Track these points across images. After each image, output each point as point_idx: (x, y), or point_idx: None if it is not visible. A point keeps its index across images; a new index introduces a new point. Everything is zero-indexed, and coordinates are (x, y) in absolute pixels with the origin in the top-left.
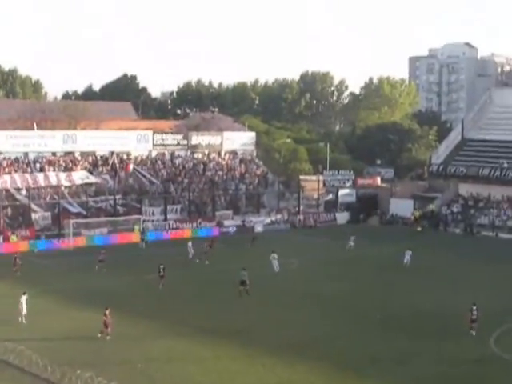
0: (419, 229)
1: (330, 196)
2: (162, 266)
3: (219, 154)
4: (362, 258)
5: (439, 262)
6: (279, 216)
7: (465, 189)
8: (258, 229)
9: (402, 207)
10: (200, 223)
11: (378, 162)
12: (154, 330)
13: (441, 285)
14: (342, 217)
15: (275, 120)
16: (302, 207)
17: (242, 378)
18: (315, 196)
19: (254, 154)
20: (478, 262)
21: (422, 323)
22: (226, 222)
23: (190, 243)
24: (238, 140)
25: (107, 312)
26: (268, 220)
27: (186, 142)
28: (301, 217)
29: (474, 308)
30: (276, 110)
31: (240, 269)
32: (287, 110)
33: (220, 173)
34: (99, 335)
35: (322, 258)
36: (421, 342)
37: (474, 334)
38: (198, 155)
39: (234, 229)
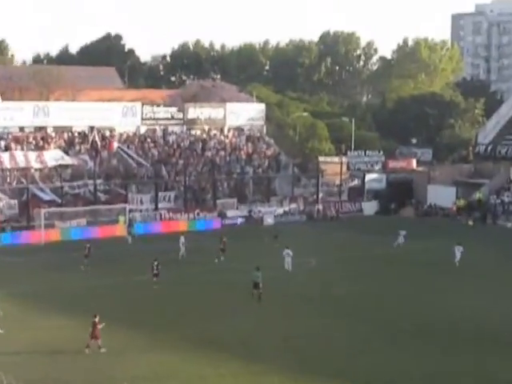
0: (471, 223)
1: (355, 182)
2: (156, 263)
3: (221, 130)
4: (393, 256)
5: (486, 263)
6: (293, 205)
7: None
8: (268, 221)
9: (442, 195)
10: (198, 214)
11: (414, 140)
12: (144, 341)
13: (487, 289)
14: (370, 207)
15: (289, 89)
16: (321, 195)
17: None
18: (337, 182)
19: (264, 131)
20: None
21: (462, 333)
22: (230, 213)
23: (182, 238)
24: (245, 113)
25: (96, 320)
26: (280, 210)
27: (181, 115)
28: (320, 206)
29: None
30: (290, 77)
31: (253, 269)
32: (304, 78)
33: (222, 153)
34: (87, 351)
35: (345, 255)
36: (458, 357)
37: None
38: (196, 132)
39: (240, 221)
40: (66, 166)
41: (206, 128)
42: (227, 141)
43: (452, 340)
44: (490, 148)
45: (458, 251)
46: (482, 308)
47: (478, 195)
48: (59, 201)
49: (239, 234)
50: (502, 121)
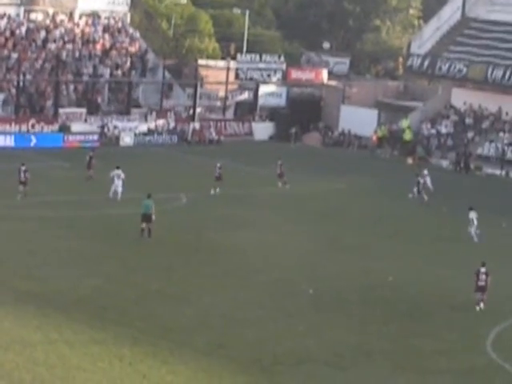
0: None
1: (245, 95)
2: (23, 168)
3: (71, 15)
4: (291, 197)
5: (407, 214)
6: (161, 122)
7: (461, 98)
8: (127, 140)
9: (358, 120)
10: (33, 126)
11: (326, 45)
12: None
13: (415, 250)
14: (263, 129)
15: None
16: (198, 110)
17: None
18: (221, 94)
19: (128, 20)
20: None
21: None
22: (75, 127)
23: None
24: None
25: None
26: (143, 127)
27: None
28: (196, 125)
29: (483, 271)
30: None
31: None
32: None
33: (70, 46)
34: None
35: (226, 191)
36: (376, 331)
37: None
38: (37, 16)
39: (90, 138)
40: None
41: (51, 12)
42: (77, 30)
43: (367, 308)
44: (426, 61)
45: (475, 219)
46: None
47: (404, 123)
48: None
49: (84, 155)
50: (445, 26)
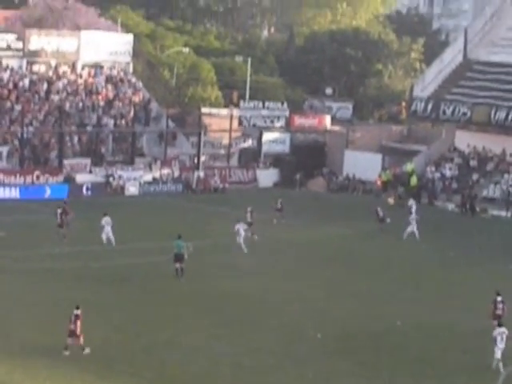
0: (391, 200)
1: (249, 143)
2: (59, 211)
3: (73, 66)
4: (296, 243)
5: (414, 258)
6: (166, 171)
7: (465, 140)
8: (132, 190)
9: (363, 165)
10: (38, 177)
11: (329, 91)
12: None
13: (423, 294)
14: (268, 176)
15: (166, 16)
16: (203, 158)
17: None
18: (225, 141)
19: (130, 70)
20: (481, 259)
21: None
22: (80, 177)
23: None
24: (106, 45)
25: (79, 313)
26: (148, 177)
27: (20, 45)
28: (201, 173)
29: (499, 299)
30: None
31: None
32: (186, 2)
33: (74, 98)
34: (66, 353)
35: (229, 241)
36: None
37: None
38: (40, 68)
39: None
40: None
41: (53, 63)
42: (80, 81)
43: (374, 355)
44: (429, 105)
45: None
46: (422, 314)
47: (409, 166)
48: None
49: (90, 206)
50: (447, 69)
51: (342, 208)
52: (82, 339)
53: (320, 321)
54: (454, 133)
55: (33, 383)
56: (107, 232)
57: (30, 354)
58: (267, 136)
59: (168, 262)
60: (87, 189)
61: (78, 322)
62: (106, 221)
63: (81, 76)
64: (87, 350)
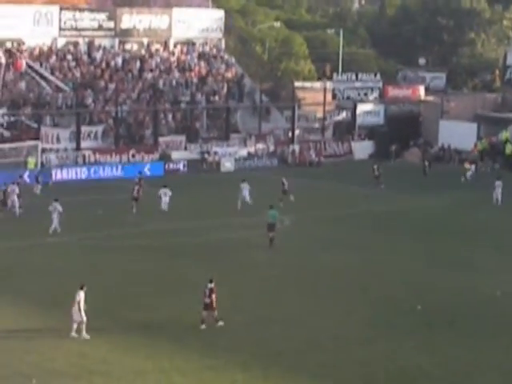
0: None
1: (344, 115)
2: (136, 187)
3: (165, 44)
4: (389, 215)
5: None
6: (261, 146)
7: None
8: (227, 165)
9: (458, 134)
10: (133, 155)
11: (422, 61)
12: (63, 323)
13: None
14: (363, 148)
15: None
16: (297, 132)
17: None
18: (319, 115)
19: (222, 46)
20: None
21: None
22: (176, 154)
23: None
24: (197, 22)
25: (212, 286)
26: (243, 152)
27: (112, 24)
28: (296, 148)
29: None
30: None
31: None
32: None
33: (166, 76)
34: (203, 327)
35: (328, 214)
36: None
37: None
38: (133, 46)
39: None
40: None
41: (146, 42)
42: (173, 59)
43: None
44: None
45: (499, 188)
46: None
47: (504, 135)
48: None
49: (186, 183)
50: None
51: (439, 178)
52: (216, 312)
53: (419, 292)
54: None
55: (133, 361)
56: (164, 202)
57: (130, 331)
58: (361, 108)
59: (263, 237)
60: (183, 166)
61: (213, 296)
62: (164, 192)
63: (173, 53)
64: (221, 323)
